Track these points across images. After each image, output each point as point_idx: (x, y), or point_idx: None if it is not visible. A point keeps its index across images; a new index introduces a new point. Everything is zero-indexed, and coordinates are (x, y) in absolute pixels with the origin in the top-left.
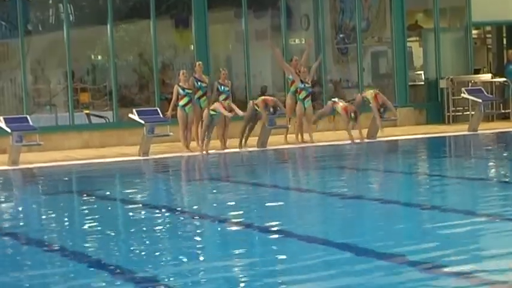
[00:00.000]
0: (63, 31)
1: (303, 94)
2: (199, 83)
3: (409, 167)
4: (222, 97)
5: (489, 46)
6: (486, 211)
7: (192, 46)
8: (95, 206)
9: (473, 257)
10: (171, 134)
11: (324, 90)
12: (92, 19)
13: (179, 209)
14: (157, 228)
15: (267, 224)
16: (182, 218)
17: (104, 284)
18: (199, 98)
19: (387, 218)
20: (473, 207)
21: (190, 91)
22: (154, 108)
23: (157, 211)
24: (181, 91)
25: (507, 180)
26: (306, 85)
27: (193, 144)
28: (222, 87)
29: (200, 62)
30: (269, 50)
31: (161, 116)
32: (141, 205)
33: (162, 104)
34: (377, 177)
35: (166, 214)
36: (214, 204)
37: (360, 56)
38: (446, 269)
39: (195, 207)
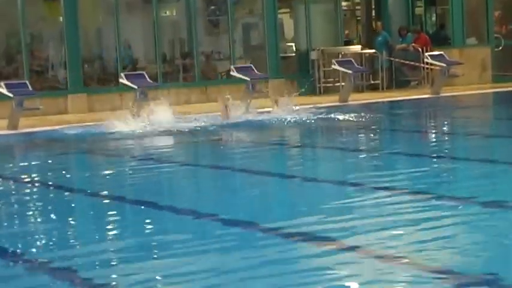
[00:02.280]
0: None
1: None
2: None
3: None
4: None
5: (358, 18)
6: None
7: (61, 18)
8: None
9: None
10: (41, 107)
11: (196, 63)
12: None
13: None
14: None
15: None
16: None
17: None
18: None
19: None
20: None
21: None
22: (23, 81)
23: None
24: None
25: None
26: None
27: None
28: None
29: None
30: (139, 21)
31: (30, 89)
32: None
33: (31, 76)
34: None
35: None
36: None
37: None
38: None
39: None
